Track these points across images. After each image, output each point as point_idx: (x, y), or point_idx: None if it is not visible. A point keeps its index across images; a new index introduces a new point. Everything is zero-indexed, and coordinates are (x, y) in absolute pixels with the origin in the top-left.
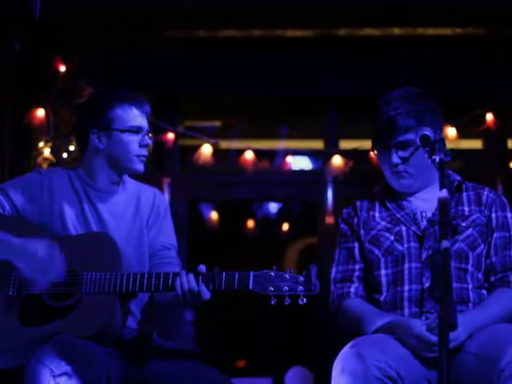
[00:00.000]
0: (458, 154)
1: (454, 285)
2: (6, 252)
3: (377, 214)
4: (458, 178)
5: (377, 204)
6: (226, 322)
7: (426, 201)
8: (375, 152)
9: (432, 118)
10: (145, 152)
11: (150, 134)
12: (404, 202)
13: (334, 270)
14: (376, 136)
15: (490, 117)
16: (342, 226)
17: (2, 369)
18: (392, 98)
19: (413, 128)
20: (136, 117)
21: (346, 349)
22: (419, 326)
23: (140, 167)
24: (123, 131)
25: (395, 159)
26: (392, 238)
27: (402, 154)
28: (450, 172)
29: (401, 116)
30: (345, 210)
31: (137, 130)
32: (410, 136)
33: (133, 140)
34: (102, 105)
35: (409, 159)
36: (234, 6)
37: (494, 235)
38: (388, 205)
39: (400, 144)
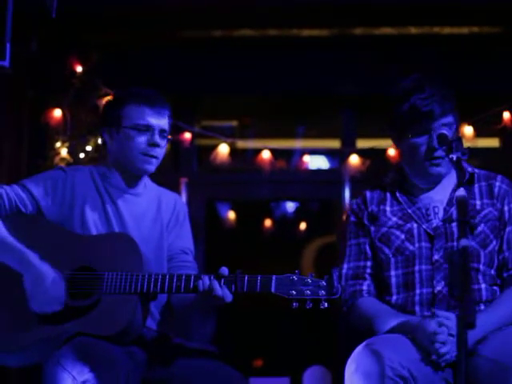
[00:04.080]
0: (474, 152)
1: None
2: (22, 266)
3: (388, 209)
4: (470, 169)
5: (388, 196)
6: (244, 322)
7: (438, 193)
8: (410, 136)
9: (455, 101)
10: (153, 152)
11: (169, 136)
12: (416, 196)
13: (345, 266)
14: (409, 123)
15: (507, 115)
16: (352, 218)
17: (18, 367)
18: (420, 84)
19: (450, 111)
20: (145, 115)
21: (359, 348)
22: (433, 328)
23: (147, 167)
24: (130, 128)
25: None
26: (403, 236)
27: None
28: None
29: (438, 100)
30: (354, 201)
31: (145, 129)
32: (450, 119)
33: (140, 138)
34: (114, 104)
35: None
36: (250, 5)
37: (507, 229)
38: (399, 198)
39: (444, 126)
